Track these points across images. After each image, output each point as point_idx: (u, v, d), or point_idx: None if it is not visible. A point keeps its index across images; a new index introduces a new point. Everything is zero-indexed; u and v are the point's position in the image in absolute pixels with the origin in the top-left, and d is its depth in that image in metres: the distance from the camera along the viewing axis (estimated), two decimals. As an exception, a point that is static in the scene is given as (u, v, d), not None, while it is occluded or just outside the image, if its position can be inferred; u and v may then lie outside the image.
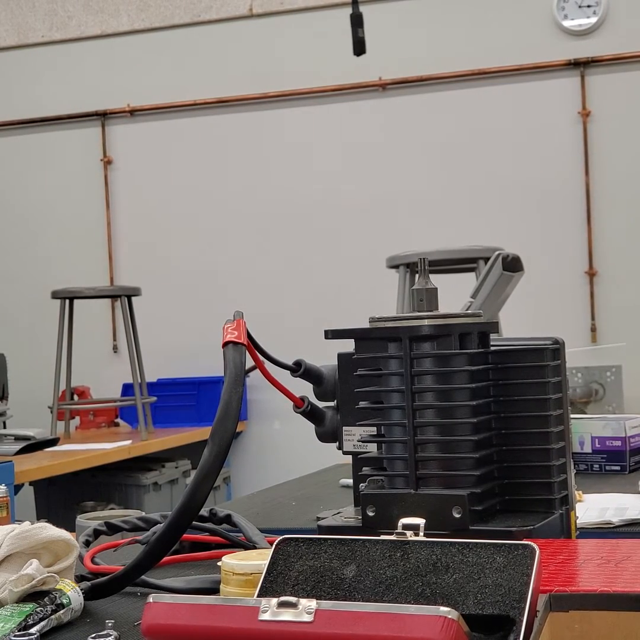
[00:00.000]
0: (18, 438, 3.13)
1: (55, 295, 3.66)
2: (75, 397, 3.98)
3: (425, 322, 0.90)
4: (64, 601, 0.82)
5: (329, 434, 1.08)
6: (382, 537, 0.72)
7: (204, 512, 1.06)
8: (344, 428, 1.06)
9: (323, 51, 4.16)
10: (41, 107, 4.51)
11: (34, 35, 4.53)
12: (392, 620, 0.56)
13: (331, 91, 4.19)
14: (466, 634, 0.56)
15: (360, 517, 0.93)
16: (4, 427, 3.55)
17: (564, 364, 0.96)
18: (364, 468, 0.96)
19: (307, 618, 0.60)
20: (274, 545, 0.76)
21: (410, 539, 0.71)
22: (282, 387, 0.98)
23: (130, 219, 4.43)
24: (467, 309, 1.62)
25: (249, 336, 0.91)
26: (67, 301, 3.67)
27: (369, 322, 0.93)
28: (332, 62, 4.11)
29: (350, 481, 1.19)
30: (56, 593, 0.82)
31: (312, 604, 0.61)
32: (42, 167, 4.54)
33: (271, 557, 0.75)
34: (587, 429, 1.56)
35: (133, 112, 4.43)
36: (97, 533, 1.05)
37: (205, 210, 4.32)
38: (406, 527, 0.72)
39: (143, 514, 1.12)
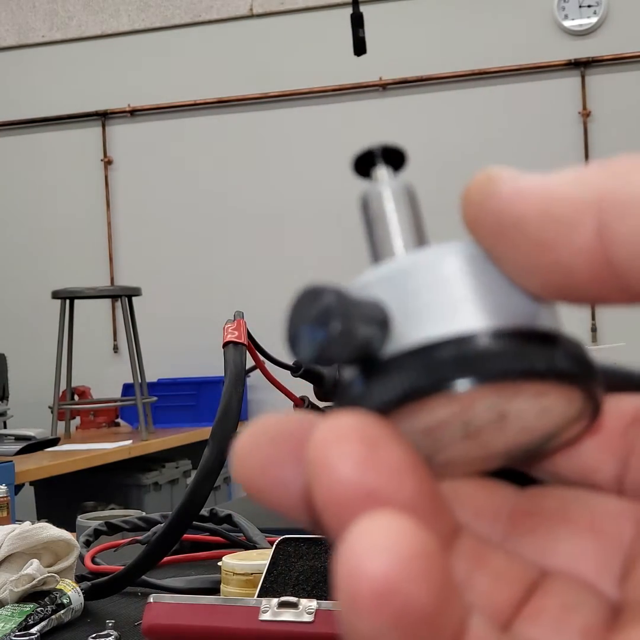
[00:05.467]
0: (18, 438, 3.13)
1: (55, 295, 3.66)
2: (76, 397, 3.98)
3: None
4: (65, 601, 0.82)
5: (329, 434, 1.08)
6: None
7: (204, 512, 1.06)
8: (344, 428, 1.06)
9: (323, 51, 4.16)
10: (41, 107, 4.52)
11: (35, 35, 4.53)
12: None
13: (331, 91, 4.19)
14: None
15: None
16: (4, 427, 3.55)
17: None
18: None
19: (307, 618, 0.60)
20: (274, 545, 0.76)
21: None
22: (282, 387, 0.98)
23: (130, 219, 4.44)
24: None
25: (250, 336, 0.91)
26: (67, 301, 3.67)
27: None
28: (332, 62, 4.11)
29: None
30: (56, 593, 0.82)
31: (313, 604, 0.61)
32: (42, 167, 4.54)
33: (271, 557, 0.75)
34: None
35: (133, 112, 4.44)
36: (97, 533, 1.05)
37: (205, 210, 4.33)
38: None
39: (143, 514, 1.12)
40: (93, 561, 0.97)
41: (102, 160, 4.47)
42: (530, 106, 3.98)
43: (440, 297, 0.22)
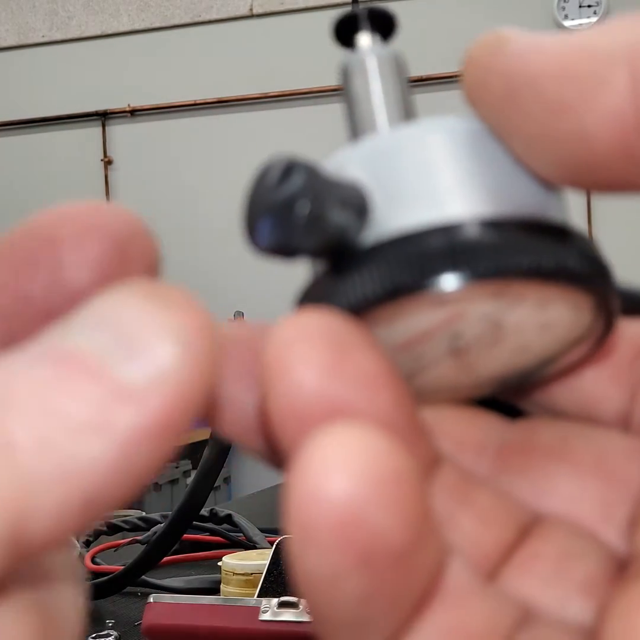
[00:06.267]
0: (18, 438, 3.13)
1: (55, 295, 3.66)
2: (76, 397, 3.98)
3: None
4: (64, 601, 0.82)
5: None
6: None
7: (204, 512, 1.06)
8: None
9: (323, 51, 4.15)
10: (41, 107, 4.51)
11: (35, 35, 4.53)
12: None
13: (331, 91, 4.19)
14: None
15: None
16: (4, 427, 3.54)
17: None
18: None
19: (308, 618, 0.60)
20: (274, 545, 0.76)
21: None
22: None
23: (130, 219, 4.43)
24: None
25: (249, 336, 0.91)
26: (68, 301, 3.67)
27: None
28: (332, 62, 4.10)
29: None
30: (56, 593, 0.82)
31: (313, 604, 0.61)
32: (42, 167, 4.54)
33: (272, 557, 0.75)
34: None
35: (133, 112, 4.44)
36: (97, 533, 1.05)
37: (205, 210, 4.33)
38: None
39: (143, 514, 1.12)
40: (93, 561, 0.97)
41: (102, 160, 4.47)
42: (530, 106, 3.98)
43: (430, 178, 0.18)
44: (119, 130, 4.49)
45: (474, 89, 0.18)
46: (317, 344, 0.17)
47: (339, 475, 0.14)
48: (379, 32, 0.21)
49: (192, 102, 4.35)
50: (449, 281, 0.17)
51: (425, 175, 0.18)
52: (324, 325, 0.17)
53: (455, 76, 4.04)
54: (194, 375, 0.15)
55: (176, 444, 0.16)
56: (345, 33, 0.21)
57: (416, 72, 4.09)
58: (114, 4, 4.44)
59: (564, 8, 3.96)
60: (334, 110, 4.23)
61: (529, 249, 0.17)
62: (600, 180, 0.17)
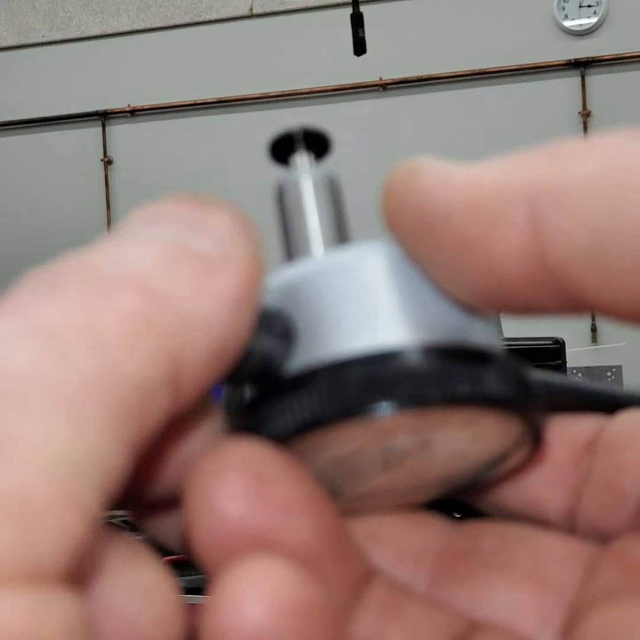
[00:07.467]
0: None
1: (55, 295, 3.65)
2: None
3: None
4: (64, 601, 0.82)
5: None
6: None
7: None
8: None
9: (323, 51, 4.16)
10: (41, 107, 4.51)
11: (34, 35, 4.53)
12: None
13: (331, 91, 4.19)
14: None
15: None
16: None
17: (564, 364, 0.96)
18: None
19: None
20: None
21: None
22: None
23: (130, 219, 4.43)
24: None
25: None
26: (67, 301, 3.67)
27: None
28: (332, 62, 4.11)
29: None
30: (56, 593, 0.82)
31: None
32: (42, 167, 4.54)
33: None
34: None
35: (133, 112, 4.44)
36: (97, 533, 1.05)
37: (205, 210, 4.32)
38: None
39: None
40: (93, 561, 0.97)
41: (102, 160, 4.47)
42: (530, 106, 3.98)
43: (353, 307, 0.19)
44: (119, 130, 4.48)
45: (391, 217, 0.19)
46: (239, 475, 0.17)
47: (248, 611, 0.15)
48: (313, 152, 0.22)
49: (192, 102, 4.34)
50: (372, 411, 0.18)
51: (348, 304, 0.19)
52: (247, 456, 0.18)
53: (455, 76, 4.04)
54: (255, 249, 0.18)
55: (253, 316, 0.18)
56: (281, 152, 0.22)
57: (416, 72, 4.08)
58: (114, 4, 4.44)
59: (564, 8, 3.95)
60: (334, 110, 4.23)
61: (447, 377, 0.18)
62: (514, 305, 0.18)
